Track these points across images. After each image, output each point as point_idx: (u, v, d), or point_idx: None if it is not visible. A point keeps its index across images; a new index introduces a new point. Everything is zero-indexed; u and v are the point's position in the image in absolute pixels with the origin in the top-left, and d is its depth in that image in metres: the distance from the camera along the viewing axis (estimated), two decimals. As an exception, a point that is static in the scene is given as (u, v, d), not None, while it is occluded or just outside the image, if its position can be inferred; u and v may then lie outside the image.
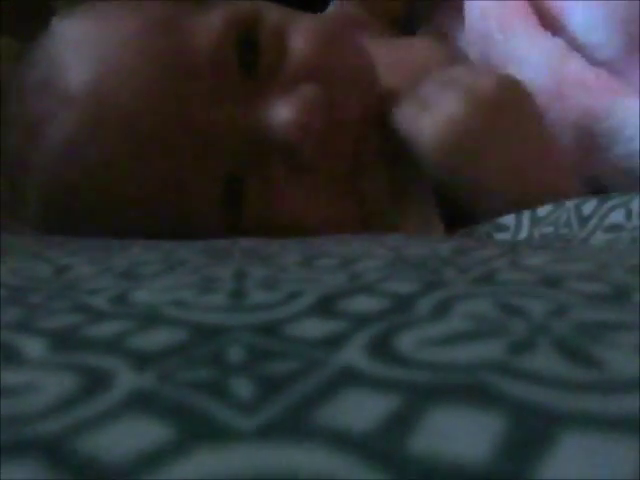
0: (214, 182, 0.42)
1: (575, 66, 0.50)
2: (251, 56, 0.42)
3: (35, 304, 0.19)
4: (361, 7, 0.64)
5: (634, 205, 0.35)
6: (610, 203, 0.36)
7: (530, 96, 0.46)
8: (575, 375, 0.13)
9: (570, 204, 0.38)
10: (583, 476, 0.10)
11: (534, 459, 0.10)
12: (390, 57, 0.53)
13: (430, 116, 0.43)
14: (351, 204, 0.45)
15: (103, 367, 0.14)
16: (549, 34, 0.52)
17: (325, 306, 0.17)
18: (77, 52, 0.42)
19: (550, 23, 0.53)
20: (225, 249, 0.26)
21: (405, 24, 0.65)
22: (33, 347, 0.15)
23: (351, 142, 0.44)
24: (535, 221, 0.39)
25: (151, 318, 0.17)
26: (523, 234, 0.39)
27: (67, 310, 0.18)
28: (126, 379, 0.13)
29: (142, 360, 0.14)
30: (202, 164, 0.41)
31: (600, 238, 0.34)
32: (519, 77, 0.46)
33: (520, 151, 0.45)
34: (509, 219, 0.41)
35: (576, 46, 0.52)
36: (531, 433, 0.11)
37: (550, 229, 0.38)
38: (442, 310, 0.16)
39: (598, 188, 0.48)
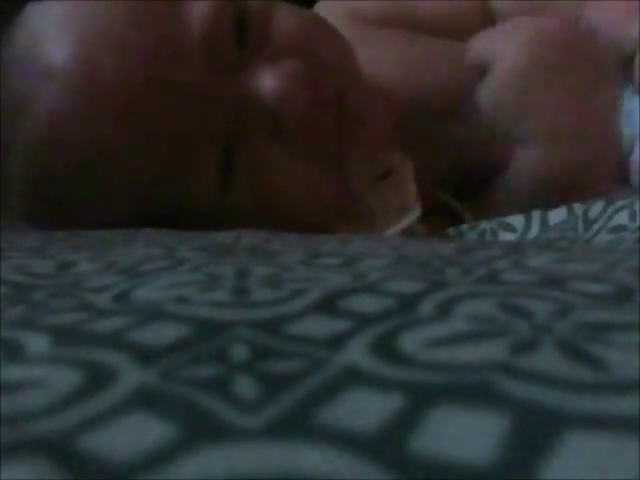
0: (209, 152, 0.42)
1: None
2: (240, 32, 0.44)
3: (38, 301, 0.19)
4: None
5: (638, 207, 0.35)
6: (615, 205, 0.36)
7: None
8: (579, 375, 0.13)
9: (579, 210, 0.38)
10: (587, 476, 0.10)
11: (538, 459, 0.10)
12: None
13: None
14: (334, 181, 0.47)
15: (107, 363, 0.14)
16: None
17: (329, 305, 0.17)
18: (61, 25, 0.41)
19: None
20: (228, 246, 0.26)
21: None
22: (36, 343, 0.15)
23: (333, 120, 0.45)
24: (546, 228, 0.39)
25: (154, 315, 0.16)
26: (532, 236, 0.40)
27: (70, 308, 0.18)
28: (130, 376, 0.13)
29: (146, 357, 0.14)
30: (194, 135, 0.41)
31: (604, 238, 0.34)
32: None
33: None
34: (517, 219, 0.41)
35: None
36: (535, 433, 0.11)
37: (555, 234, 0.38)
38: (446, 310, 0.16)
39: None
